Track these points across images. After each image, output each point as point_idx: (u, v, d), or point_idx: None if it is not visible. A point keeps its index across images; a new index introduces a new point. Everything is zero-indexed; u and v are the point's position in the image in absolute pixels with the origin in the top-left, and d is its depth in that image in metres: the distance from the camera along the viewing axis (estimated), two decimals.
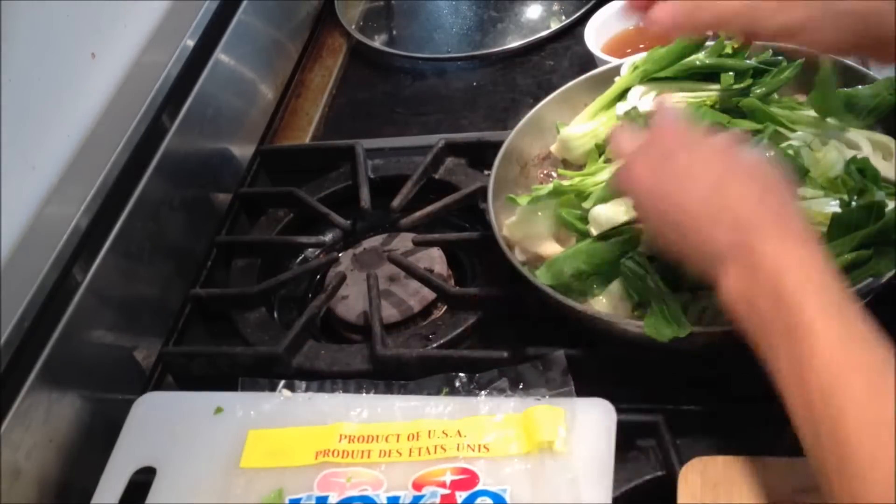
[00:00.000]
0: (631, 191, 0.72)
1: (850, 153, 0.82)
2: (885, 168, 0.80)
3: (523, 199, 0.87)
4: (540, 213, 0.86)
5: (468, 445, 0.74)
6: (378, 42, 1.32)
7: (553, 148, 0.95)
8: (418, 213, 0.99)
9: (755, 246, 0.61)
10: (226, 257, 1.05)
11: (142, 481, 0.80)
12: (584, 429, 0.74)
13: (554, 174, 0.96)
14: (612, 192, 0.80)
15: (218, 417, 0.83)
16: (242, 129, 1.17)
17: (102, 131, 0.97)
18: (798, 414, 0.56)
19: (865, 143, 0.81)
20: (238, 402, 0.84)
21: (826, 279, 0.59)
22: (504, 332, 0.89)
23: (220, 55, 1.13)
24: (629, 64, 0.94)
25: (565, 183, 0.88)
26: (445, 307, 0.95)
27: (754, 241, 0.61)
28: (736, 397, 0.75)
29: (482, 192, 0.96)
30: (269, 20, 1.24)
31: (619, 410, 0.76)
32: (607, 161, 0.89)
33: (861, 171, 0.78)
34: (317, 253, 1.06)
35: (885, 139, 0.82)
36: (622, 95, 0.92)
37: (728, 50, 0.90)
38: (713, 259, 0.64)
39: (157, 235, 0.99)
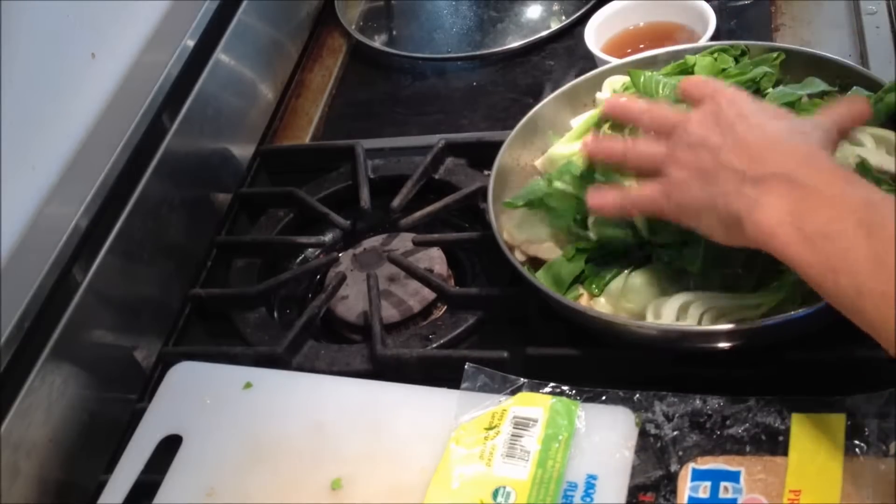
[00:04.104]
0: (677, 137, 0.72)
1: (856, 150, 0.81)
2: (887, 162, 0.80)
3: (519, 201, 0.87)
4: (540, 217, 0.86)
5: None
6: (378, 42, 1.31)
7: (538, 163, 0.94)
8: (418, 213, 0.99)
9: (796, 173, 0.63)
10: (226, 257, 1.05)
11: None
12: (605, 433, 0.74)
13: None
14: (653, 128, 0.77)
15: (246, 392, 0.85)
16: (242, 129, 1.17)
17: (102, 131, 0.97)
18: (887, 320, 0.57)
19: (867, 138, 0.81)
20: (267, 380, 0.86)
21: (867, 185, 0.63)
22: (504, 332, 0.89)
23: (220, 55, 1.13)
24: (609, 82, 0.94)
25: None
26: (445, 307, 0.95)
27: (794, 170, 0.63)
28: (737, 396, 0.75)
29: (482, 192, 0.96)
30: (269, 20, 1.24)
31: None
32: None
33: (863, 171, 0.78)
34: (317, 253, 1.06)
35: (887, 133, 0.82)
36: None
37: (726, 64, 0.90)
38: (738, 198, 0.65)
39: (157, 235, 0.99)
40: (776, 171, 0.64)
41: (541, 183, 0.86)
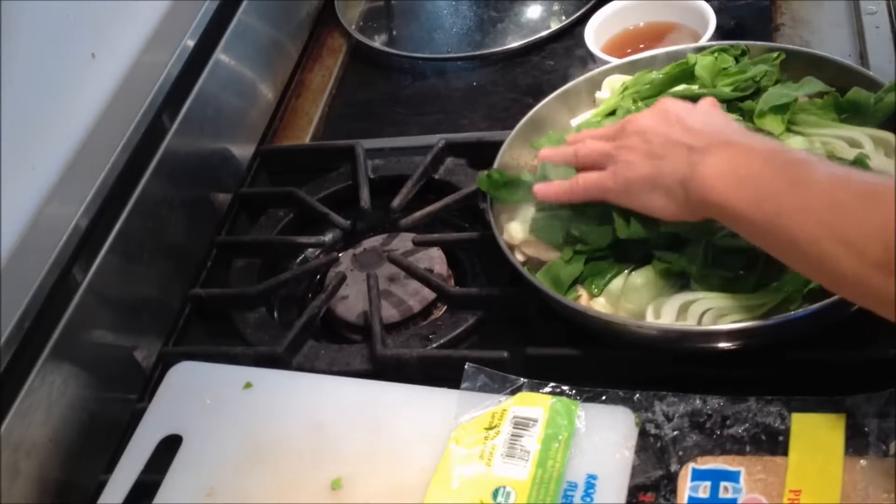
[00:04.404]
0: (629, 129, 0.78)
1: (852, 152, 0.81)
2: (886, 164, 0.80)
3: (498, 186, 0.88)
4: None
5: None
6: (378, 42, 1.31)
7: (538, 163, 0.94)
8: (418, 213, 0.99)
9: (734, 139, 0.71)
10: (226, 257, 1.05)
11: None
12: (605, 433, 0.74)
13: None
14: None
15: (246, 392, 0.85)
16: (242, 129, 1.17)
17: (102, 131, 0.97)
18: (805, 232, 0.62)
19: (867, 140, 0.81)
20: (267, 380, 0.86)
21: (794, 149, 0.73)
22: (504, 332, 0.89)
23: (220, 55, 1.13)
24: (609, 82, 0.94)
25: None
26: (445, 307, 0.95)
27: (732, 137, 0.71)
28: (737, 396, 0.75)
29: (482, 192, 0.96)
30: (269, 20, 1.24)
31: None
32: None
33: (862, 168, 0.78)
34: (317, 253, 1.06)
35: (886, 135, 0.82)
36: (609, 115, 0.92)
37: (726, 63, 0.90)
38: (686, 165, 0.71)
39: (157, 235, 0.99)
40: (714, 141, 0.71)
41: (527, 176, 0.87)
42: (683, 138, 0.73)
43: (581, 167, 0.82)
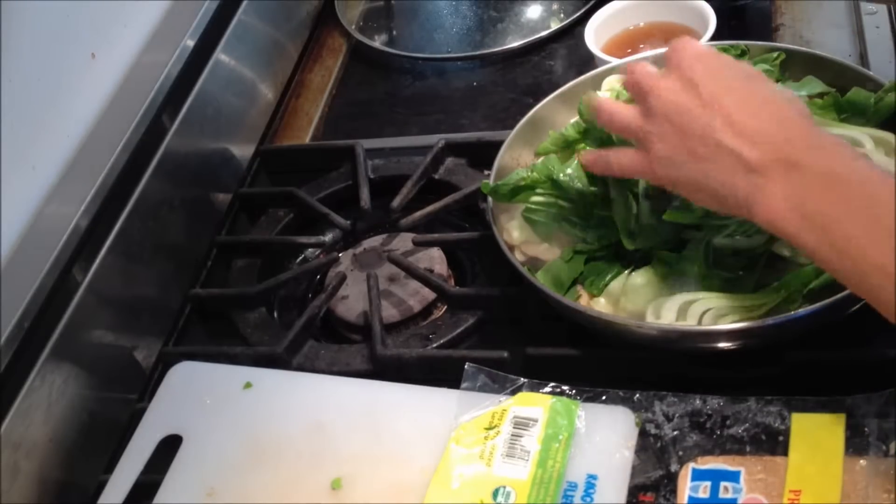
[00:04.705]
0: (654, 108, 0.71)
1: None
2: (886, 164, 0.80)
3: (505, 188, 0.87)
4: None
5: None
6: (378, 42, 1.32)
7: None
8: (418, 213, 0.99)
9: (794, 155, 0.64)
10: (226, 257, 1.05)
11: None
12: (605, 433, 0.74)
13: None
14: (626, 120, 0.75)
15: (246, 392, 0.85)
16: (242, 129, 1.17)
17: (102, 131, 0.97)
18: (859, 268, 0.60)
19: (867, 139, 0.81)
20: (267, 380, 0.86)
21: (865, 162, 0.64)
22: (504, 332, 0.89)
23: (220, 55, 1.13)
24: (609, 82, 0.95)
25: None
26: (445, 307, 0.95)
27: (791, 152, 0.64)
28: (737, 396, 0.75)
29: (482, 192, 0.96)
30: (269, 20, 1.24)
31: None
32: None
33: None
34: (317, 253, 1.06)
35: (887, 135, 0.82)
36: None
37: None
38: (744, 183, 0.66)
39: (157, 235, 0.99)
40: (775, 157, 0.65)
41: (522, 173, 0.87)
42: (729, 140, 0.66)
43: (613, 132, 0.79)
